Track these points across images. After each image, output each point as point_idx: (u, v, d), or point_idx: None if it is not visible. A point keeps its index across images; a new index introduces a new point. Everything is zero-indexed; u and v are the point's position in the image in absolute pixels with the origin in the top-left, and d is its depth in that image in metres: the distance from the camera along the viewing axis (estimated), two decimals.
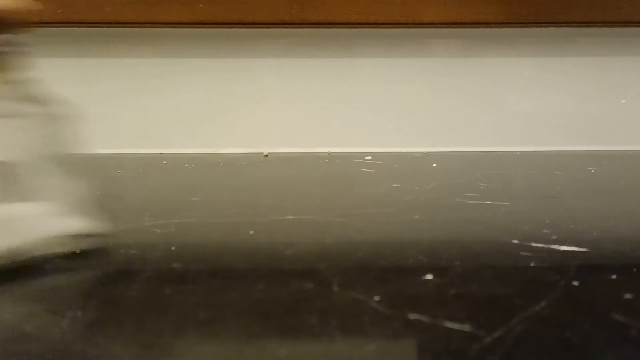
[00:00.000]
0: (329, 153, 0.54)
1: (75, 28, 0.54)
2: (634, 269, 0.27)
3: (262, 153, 0.54)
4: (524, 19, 0.54)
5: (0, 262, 0.26)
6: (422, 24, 0.53)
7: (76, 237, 0.28)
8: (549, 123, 0.57)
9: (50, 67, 0.55)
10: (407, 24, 0.53)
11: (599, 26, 0.56)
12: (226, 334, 0.21)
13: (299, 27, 0.54)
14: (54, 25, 0.53)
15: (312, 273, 0.28)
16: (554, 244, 0.29)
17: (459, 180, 0.43)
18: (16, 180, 0.27)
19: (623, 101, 0.58)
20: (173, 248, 0.29)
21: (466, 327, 0.21)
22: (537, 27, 0.55)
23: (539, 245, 0.29)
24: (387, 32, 0.55)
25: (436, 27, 0.54)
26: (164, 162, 0.51)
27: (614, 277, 0.26)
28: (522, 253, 0.28)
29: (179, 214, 0.35)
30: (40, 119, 0.27)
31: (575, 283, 0.25)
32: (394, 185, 0.42)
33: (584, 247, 0.29)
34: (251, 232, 0.31)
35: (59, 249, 0.27)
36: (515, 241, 0.29)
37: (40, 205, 0.27)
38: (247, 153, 0.54)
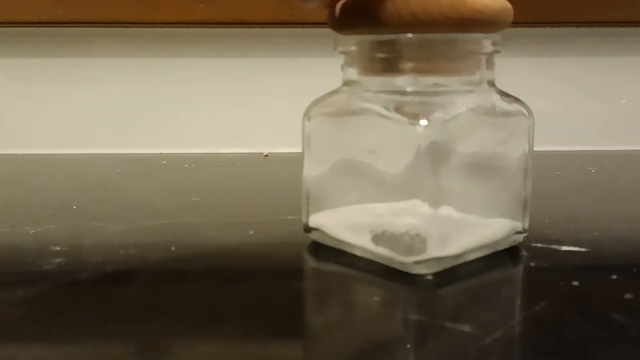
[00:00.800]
0: None
1: (75, 28, 0.54)
2: (634, 269, 0.27)
3: (262, 153, 0.54)
4: (524, 19, 0.54)
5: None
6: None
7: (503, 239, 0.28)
8: (549, 123, 0.57)
9: (49, 67, 0.56)
10: None
11: (599, 26, 0.56)
12: (226, 334, 0.21)
13: (299, 27, 0.54)
14: (54, 25, 0.54)
15: (313, 273, 0.28)
16: (554, 244, 0.29)
17: None
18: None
19: (623, 101, 0.58)
20: (173, 248, 0.29)
21: (466, 328, 0.21)
22: (536, 27, 0.55)
23: (539, 245, 0.29)
24: None
25: None
26: (164, 162, 0.51)
27: (614, 277, 0.26)
28: (522, 253, 0.28)
29: (179, 214, 0.35)
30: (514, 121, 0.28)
31: (575, 283, 0.25)
32: None
33: (584, 247, 0.29)
34: (251, 232, 0.31)
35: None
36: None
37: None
38: (247, 153, 0.54)
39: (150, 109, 0.56)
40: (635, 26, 0.56)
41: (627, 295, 0.24)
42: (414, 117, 0.25)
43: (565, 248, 0.29)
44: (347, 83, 0.28)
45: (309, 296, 0.25)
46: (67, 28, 0.54)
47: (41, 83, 0.56)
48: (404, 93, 0.26)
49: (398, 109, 0.26)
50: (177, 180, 0.45)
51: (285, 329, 0.22)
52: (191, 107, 0.56)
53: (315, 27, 0.53)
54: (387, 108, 0.26)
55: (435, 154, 0.25)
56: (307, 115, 0.29)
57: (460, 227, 0.26)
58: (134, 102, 0.56)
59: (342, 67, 0.28)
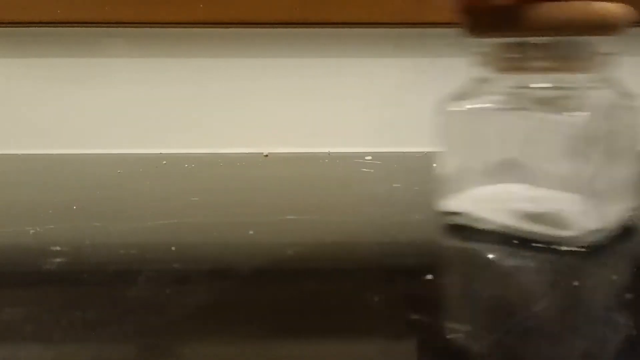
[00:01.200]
0: (329, 153, 0.54)
1: (76, 28, 0.54)
2: (634, 269, 0.27)
3: (262, 153, 0.54)
4: None
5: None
6: (426, 23, 0.53)
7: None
8: None
9: (49, 67, 0.56)
10: (413, 23, 0.53)
11: None
12: (226, 334, 0.21)
13: (299, 27, 0.54)
14: (54, 25, 0.53)
15: (313, 273, 0.28)
16: (554, 243, 0.29)
17: None
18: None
19: None
20: (173, 248, 0.29)
21: (466, 327, 0.21)
22: None
23: (539, 245, 0.29)
24: (389, 31, 0.55)
25: (437, 27, 0.54)
26: (164, 162, 0.51)
27: (614, 277, 0.26)
28: (522, 253, 0.28)
29: (179, 214, 0.35)
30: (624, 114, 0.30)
31: (576, 283, 0.25)
32: (394, 185, 0.42)
33: (583, 247, 0.29)
34: (251, 232, 0.31)
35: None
36: (516, 241, 0.29)
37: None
38: (247, 153, 0.54)
39: (150, 109, 0.56)
40: (635, 26, 0.56)
41: (627, 295, 0.24)
42: (559, 111, 0.28)
43: (565, 248, 0.29)
44: (480, 81, 0.31)
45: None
46: (67, 28, 0.54)
47: (41, 83, 0.56)
48: (542, 89, 0.28)
49: (541, 103, 0.28)
50: (177, 180, 0.45)
51: (285, 328, 0.22)
52: (191, 107, 0.56)
53: (315, 28, 0.53)
54: (528, 103, 0.28)
55: (581, 143, 0.27)
56: (442, 110, 0.31)
57: (599, 208, 0.29)
58: (134, 102, 0.56)
59: (475, 66, 0.30)
